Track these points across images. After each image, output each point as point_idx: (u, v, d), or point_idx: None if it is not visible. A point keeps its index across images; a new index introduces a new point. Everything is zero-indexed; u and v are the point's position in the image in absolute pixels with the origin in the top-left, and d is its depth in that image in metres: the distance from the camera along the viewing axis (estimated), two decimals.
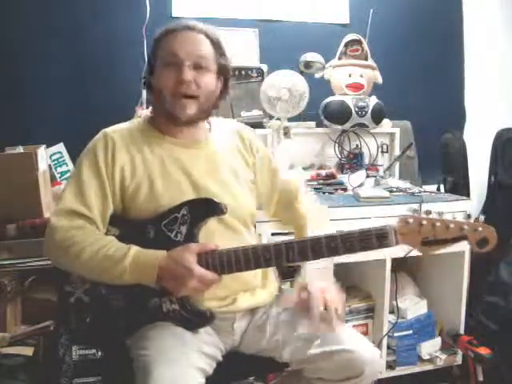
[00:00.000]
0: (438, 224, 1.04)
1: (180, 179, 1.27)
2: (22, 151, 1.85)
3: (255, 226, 1.43)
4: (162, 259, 1.13)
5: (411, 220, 1.06)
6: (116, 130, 1.30)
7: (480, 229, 1.03)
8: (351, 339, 1.23)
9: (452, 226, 1.03)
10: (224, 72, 1.33)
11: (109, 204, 1.24)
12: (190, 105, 1.25)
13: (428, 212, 1.07)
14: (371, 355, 1.22)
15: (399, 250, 1.89)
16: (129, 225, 1.24)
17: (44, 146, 1.94)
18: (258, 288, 1.34)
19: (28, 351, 1.58)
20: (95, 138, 1.29)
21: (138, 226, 1.22)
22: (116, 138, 1.27)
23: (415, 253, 1.87)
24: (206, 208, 1.20)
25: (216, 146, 1.34)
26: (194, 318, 1.21)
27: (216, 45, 1.30)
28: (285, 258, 1.14)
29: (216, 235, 1.25)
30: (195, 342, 1.20)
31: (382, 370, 1.28)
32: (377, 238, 1.10)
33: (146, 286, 1.16)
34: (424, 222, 1.05)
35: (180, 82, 1.22)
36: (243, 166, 1.37)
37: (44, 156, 1.88)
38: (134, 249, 1.16)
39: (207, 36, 1.28)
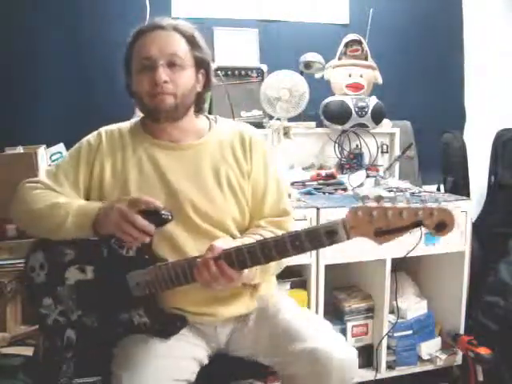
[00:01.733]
0: (390, 212, 0.97)
1: (154, 181, 1.27)
2: (21, 151, 1.85)
3: None
4: (103, 204, 1.19)
5: (360, 212, 0.99)
6: (108, 128, 1.35)
7: (435, 212, 0.95)
8: (324, 337, 1.20)
9: (405, 212, 0.96)
10: (203, 65, 1.32)
11: (79, 193, 1.28)
12: (168, 99, 1.24)
13: (378, 198, 0.99)
14: (343, 356, 1.17)
15: (399, 250, 1.90)
16: (84, 246, 1.23)
17: (44, 146, 1.94)
18: (243, 295, 1.30)
19: (28, 351, 1.58)
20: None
21: (93, 247, 1.22)
22: (104, 136, 1.32)
23: (415, 253, 1.89)
24: (150, 219, 1.15)
25: (205, 149, 1.31)
26: (165, 327, 1.21)
27: (189, 39, 1.28)
28: (237, 264, 1.11)
29: (188, 242, 1.23)
30: (174, 351, 1.20)
31: (355, 374, 1.22)
32: (326, 235, 1.05)
33: (112, 304, 1.19)
34: (374, 212, 0.98)
35: (156, 83, 1.22)
36: (236, 171, 1.31)
37: (44, 156, 1.88)
38: (82, 201, 1.25)
39: (179, 32, 1.27)
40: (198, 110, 1.37)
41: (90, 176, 1.28)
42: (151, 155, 1.29)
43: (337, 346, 1.18)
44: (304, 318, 1.30)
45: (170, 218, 1.15)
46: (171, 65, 1.24)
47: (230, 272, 1.11)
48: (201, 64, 1.31)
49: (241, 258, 1.11)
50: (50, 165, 2.02)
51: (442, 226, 0.96)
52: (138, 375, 1.10)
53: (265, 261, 1.12)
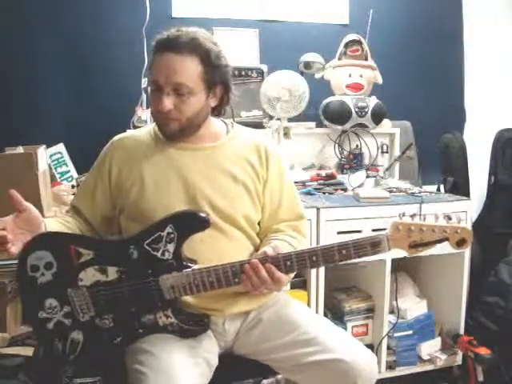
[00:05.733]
0: (425, 228, 1.14)
1: (172, 180, 1.29)
2: (22, 151, 1.85)
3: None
4: None
5: (401, 227, 1.14)
6: (122, 136, 1.39)
7: (459, 231, 1.13)
8: (345, 347, 1.22)
9: (436, 229, 1.13)
10: (219, 82, 1.28)
11: (96, 204, 1.33)
12: (172, 123, 1.26)
13: (413, 215, 1.16)
14: (365, 365, 1.20)
15: (399, 250, 1.90)
16: (107, 246, 1.23)
17: (44, 146, 1.94)
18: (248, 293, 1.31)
19: (28, 351, 1.58)
20: None
21: (118, 248, 1.21)
22: (117, 144, 1.36)
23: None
24: (191, 223, 1.19)
25: (222, 151, 1.34)
26: (192, 328, 1.22)
27: (204, 58, 1.23)
28: (283, 268, 1.16)
29: (204, 239, 1.24)
30: (192, 352, 1.20)
31: (376, 378, 1.26)
32: (371, 246, 1.15)
33: (136, 306, 1.19)
34: (413, 228, 1.14)
35: (159, 110, 1.23)
36: (252, 175, 1.33)
37: (44, 156, 1.88)
38: None
39: (193, 51, 1.21)
40: (218, 114, 1.37)
41: (109, 185, 1.32)
42: (168, 155, 1.32)
43: (360, 356, 1.21)
44: (321, 324, 1.32)
45: (209, 223, 1.20)
46: (178, 92, 1.22)
47: (279, 275, 1.15)
48: (215, 83, 1.28)
49: (288, 264, 1.16)
50: (50, 164, 2.02)
51: (462, 242, 1.14)
52: (164, 376, 1.10)
53: (310, 266, 1.18)
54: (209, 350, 1.26)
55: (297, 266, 1.17)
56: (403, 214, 1.17)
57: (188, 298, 1.25)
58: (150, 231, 1.19)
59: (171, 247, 1.18)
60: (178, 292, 1.18)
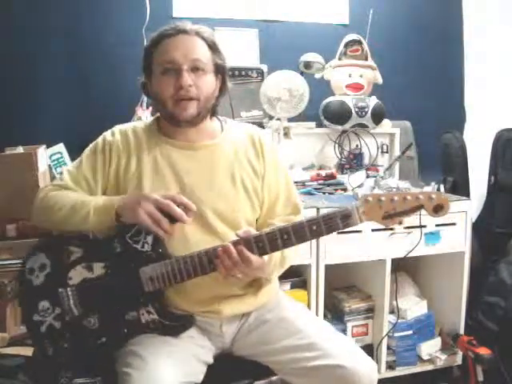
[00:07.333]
0: (396, 198, 1.12)
1: (169, 180, 1.28)
2: (22, 151, 1.85)
3: None
4: (123, 196, 1.22)
5: (371, 198, 1.13)
6: (122, 127, 1.36)
7: (434, 196, 1.11)
8: (346, 353, 1.21)
9: (409, 197, 1.11)
10: (221, 70, 1.33)
11: (98, 190, 1.30)
12: (191, 106, 1.26)
13: (387, 188, 1.11)
14: (365, 371, 1.20)
15: (399, 250, 1.90)
16: (94, 244, 1.24)
17: (44, 146, 1.94)
18: (247, 294, 1.32)
19: (28, 351, 1.58)
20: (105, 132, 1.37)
21: (105, 244, 1.22)
22: (119, 134, 1.33)
23: (415, 253, 1.89)
24: (167, 215, 1.18)
25: (219, 149, 1.33)
26: (175, 324, 1.22)
27: (211, 45, 1.30)
28: (256, 250, 1.15)
29: (201, 241, 1.24)
30: (181, 351, 1.20)
31: (376, 381, 1.26)
32: (341, 218, 1.13)
33: (120, 301, 1.19)
34: (383, 198, 1.12)
35: (180, 87, 1.24)
36: (249, 172, 1.33)
37: (44, 156, 1.88)
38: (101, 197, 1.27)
39: (202, 38, 1.29)
40: (213, 114, 1.39)
41: (108, 173, 1.30)
42: (166, 155, 1.31)
43: (361, 362, 1.21)
44: (321, 329, 1.31)
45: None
46: (194, 69, 1.26)
47: (247, 254, 1.14)
48: (219, 70, 1.32)
49: (260, 245, 1.15)
50: (50, 164, 2.02)
51: (439, 208, 1.12)
52: (148, 375, 1.10)
53: (283, 246, 1.16)
54: (198, 345, 1.25)
55: (269, 246, 1.15)
56: (373, 188, 1.14)
57: (184, 302, 1.25)
58: (131, 224, 1.20)
59: (150, 239, 1.19)
60: (158, 283, 1.19)
